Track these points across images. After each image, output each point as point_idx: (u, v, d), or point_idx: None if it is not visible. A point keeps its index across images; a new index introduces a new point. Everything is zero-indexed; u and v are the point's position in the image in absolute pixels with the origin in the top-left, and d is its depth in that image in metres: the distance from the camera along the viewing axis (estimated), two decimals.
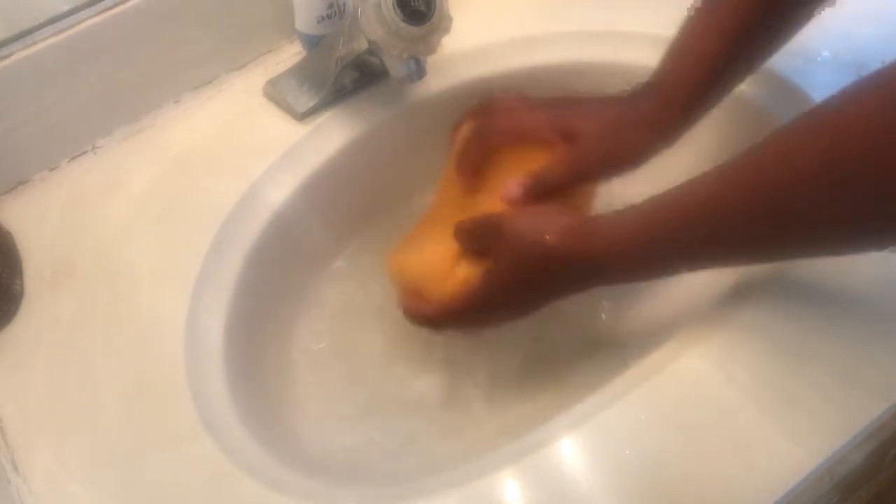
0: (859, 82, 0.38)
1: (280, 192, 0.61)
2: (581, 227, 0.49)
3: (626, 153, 0.54)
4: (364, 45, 0.58)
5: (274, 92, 0.65)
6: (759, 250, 0.45)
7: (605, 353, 0.60)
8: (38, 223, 0.59)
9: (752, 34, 0.53)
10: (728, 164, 0.43)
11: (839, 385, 0.46)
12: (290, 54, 0.68)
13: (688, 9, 0.54)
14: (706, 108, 0.55)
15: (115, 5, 0.59)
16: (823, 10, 0.53)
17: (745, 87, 0.63)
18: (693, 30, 0.54)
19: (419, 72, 0.60)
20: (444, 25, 0.56)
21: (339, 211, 0.66)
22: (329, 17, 0.64)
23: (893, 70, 0.37)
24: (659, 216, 0.46)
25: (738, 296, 0.51)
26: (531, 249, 0.50)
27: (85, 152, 0.63)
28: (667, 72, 0.54)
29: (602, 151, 0.54)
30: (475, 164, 0.57)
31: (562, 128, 0.54)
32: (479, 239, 0.54)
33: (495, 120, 0.57)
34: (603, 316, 0.64)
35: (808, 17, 0.54)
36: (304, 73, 0.65)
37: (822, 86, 0.60)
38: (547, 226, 0.50)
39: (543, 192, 0.54)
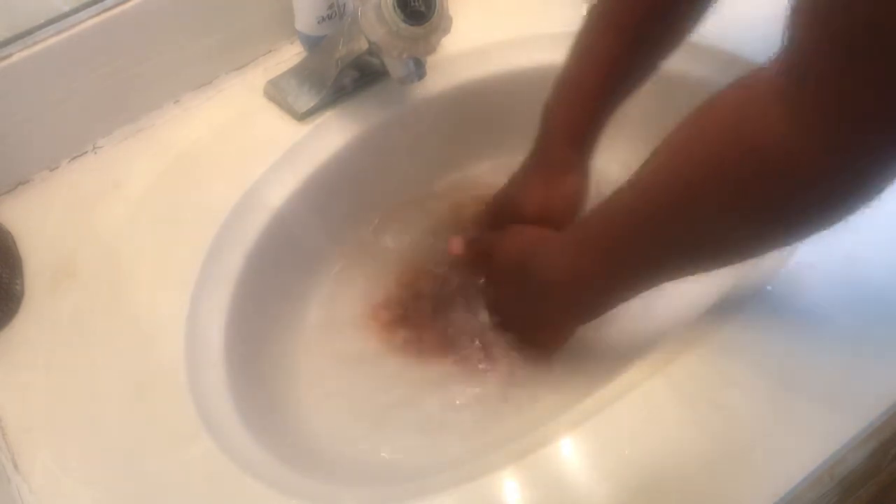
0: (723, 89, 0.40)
1: (280, 193, 0.61)
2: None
3: (522, 194, 0.61)
4: (364, 46, 0.58)
5: (274, 92, 0.65)
6: (692, 255, 0.46)
7: (606, 353, 0.60)
8: (38, 223, 0.59)
9: (640, 46, 0.54)
10: (634, 176, 0.46)
11: (839, 385, 0.46)
12: (291, 55, 0.68)
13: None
14: (601, 124, 0.58)
15: (115, 5, 0.59)
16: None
17: None
18: (579, 52, 0.57)
19: (419, 72, 0.60)
20: (444, 25, 0.56)
21: (339, 211, 0.66)
22: (329, 17, 0.64)
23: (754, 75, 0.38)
24: (588, 247, 0.50)
25: (737, 296, 0.51)
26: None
27: (85, 152, 0.63)
28: (552, 110, 0.58)
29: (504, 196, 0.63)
30: None
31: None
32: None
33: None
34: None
35: (699, 18, 0.54)
36: (304, 73, 0.65)
37: None
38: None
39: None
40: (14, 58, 0.56)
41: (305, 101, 0.64)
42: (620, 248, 0.47)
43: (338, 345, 0.64)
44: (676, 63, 0.57)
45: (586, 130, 0.57)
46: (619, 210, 0.47)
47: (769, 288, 0.50)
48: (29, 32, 0.57)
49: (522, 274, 0.55)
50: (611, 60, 0.54)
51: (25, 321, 0.54)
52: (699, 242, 0.43)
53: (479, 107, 0.69)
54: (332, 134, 0.64)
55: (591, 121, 0.57)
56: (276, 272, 0.61)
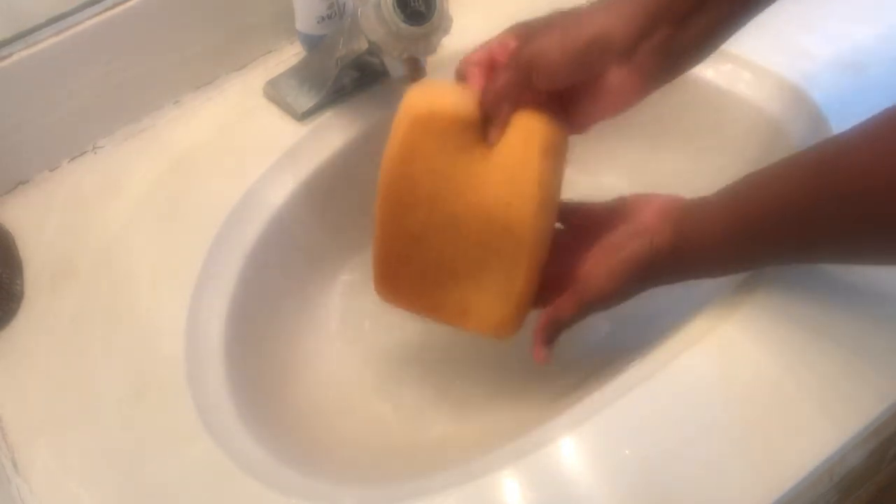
0: None
1: (280, 192, 0.61)
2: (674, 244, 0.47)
3: (567, 44, 0.46)
4: (364, 46, 0.58)
5: (274, 92, 0.65)
6: (849, 254, 0.44)
7: (606, 352, 0.60)
8: (38, 223, 0.59)
9: None
10: (812, 155, 0.42)
11: (839, 384, 0.46)
12: (291, 54, 0.68)
13: None
14: (669, 34, 0.46)
15: (116, 5, 0.59)
16: None
17: (744, 88, 0.63)
18: None
19: (419, 72, 0.60)
20: (444, 25, 0.56)
21: (338, 211, 0.66)
22: (329, 17, 0.64)
23: None
24: (743, 212, 0.45)
25: (737, 297, 0.51)
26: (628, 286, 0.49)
27: (85, 152, 0.63)
28: None
29: (546, 45, 0.46)
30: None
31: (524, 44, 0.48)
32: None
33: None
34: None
35: None
36: (304, 73, 0.65)
37: (822, 86, 0.60)
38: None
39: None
40: (14, 58, 0.56)
41: (305, 101, 0.64)
42: (782, 233, 0.44)
43: (338, 344, 0.64)
44: None
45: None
46: (796, 189, 0.42)
47: (768, 289, 0.50)
48: (29, 32, 0.57)
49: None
50: None
51: (26, 321, 0.54)
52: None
53: None
54: (332, 134, 0.64)
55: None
56: (276, 272, 0.61)
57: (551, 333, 0.52)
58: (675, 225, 0.47)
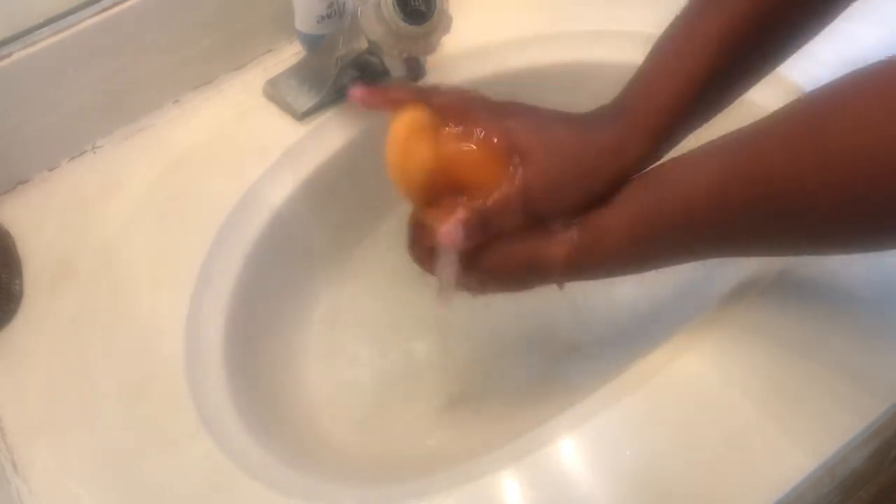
0: (856, 72, 0.37)
1: (280, 192, 0.61)
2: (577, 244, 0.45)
3: (582, 186, 0.45)
4: (364, 45, 0.58)
5: (274, 92, 0.65)
6: (761, 246, 0.43)
7: (606, 353, 0.60)
8: (38, 223, 0.59)
9: (744, 46, 0.46)
10: (722, 150, 0.42)
11: (840, 385, 0.46)
12: (290, 54, 0.68)
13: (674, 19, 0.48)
14: (683, 134, 0.48)
15: (115, 5, 0.59)
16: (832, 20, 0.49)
17: None
18: (672, 44, 0.47)
19: (419, 72, 0.60)
20: (444, 25, 0.56)
21: (338, 211, 0.66)
22: (329, 16, 0.64)
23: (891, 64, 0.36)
24: (650, 217, 0.43)
25: (736, 297, 0.51)
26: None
27: (85, 152, 0.63)
28: (637, 93, 0.47)
29: (552, 183, 0.45)
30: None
31: (507, 137, 0.46)
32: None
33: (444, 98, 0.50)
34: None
35: (816, 26, 0.49)
36: (303, 72, 0.65)
37: None
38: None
39: (487, 233, 0.46)
40: (13, 57, 0.56)
41: (305, 100, 0.64)
42: (700, 230, 0.42)
43: (338, 345, 0.64)
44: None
45: (668, 123, 0.46)
46: (708, 186, 0.41)
47: (769, 289, 0.50)
48: (28, 32, 0.57)
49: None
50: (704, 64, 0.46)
51: (25, 321, 0.54)
52: (820, 237, 0.40)
53: None
54: (332, 134, 0.64)
55: (677, 115, 0.46)
56: (276, 272, 0.61)
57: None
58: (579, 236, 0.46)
